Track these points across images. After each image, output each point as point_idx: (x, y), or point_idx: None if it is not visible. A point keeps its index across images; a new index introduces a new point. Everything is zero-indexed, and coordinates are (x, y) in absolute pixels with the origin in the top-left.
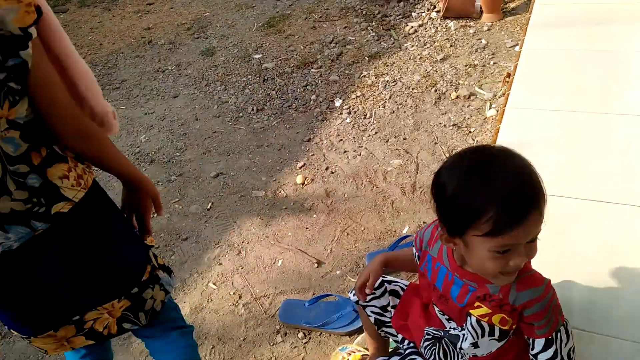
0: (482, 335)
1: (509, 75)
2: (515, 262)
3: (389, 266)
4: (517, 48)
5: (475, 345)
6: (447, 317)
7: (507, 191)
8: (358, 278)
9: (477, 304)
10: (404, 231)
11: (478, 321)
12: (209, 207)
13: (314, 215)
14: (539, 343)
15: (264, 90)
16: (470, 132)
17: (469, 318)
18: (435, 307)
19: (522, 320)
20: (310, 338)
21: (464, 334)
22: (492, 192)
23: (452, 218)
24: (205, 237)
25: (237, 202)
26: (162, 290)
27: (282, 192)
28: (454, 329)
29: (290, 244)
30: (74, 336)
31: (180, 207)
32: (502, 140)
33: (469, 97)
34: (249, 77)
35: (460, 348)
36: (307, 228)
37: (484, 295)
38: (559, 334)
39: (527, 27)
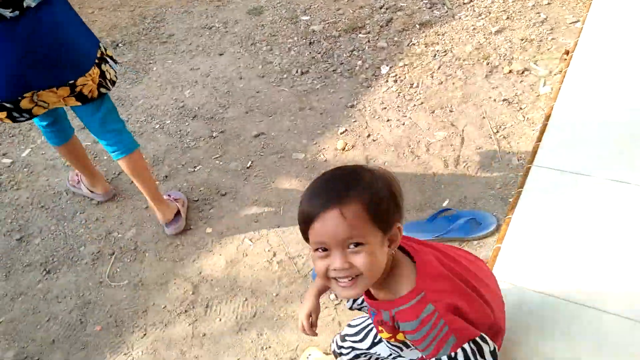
0: (402, 349)
1: (567, 52)
2: (332, 266)
3: (323, 292)
4: (578, 24)
5: (399, 356)
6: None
7: (313, 189)
8: (301, 315)
9: (379, 327)
10: (444, 204)
11: (389, 341)
12: (248, 166)
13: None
14: None
15: (310, 53)
16: (521, 108)
17: (383, 340)
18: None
19: None
20: (341, 300)
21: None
22: (306, 191)
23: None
24: (243, 194)
25: (277, 163)
26: (112, 69)
27: (322, 156)
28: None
29: None
30: (68, 96)
31: (221, 163)
32: (556, 120)
33: (522, 73)
34: (295, 38)
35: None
36: None
37: (381, 320)
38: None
39: (590, 4)
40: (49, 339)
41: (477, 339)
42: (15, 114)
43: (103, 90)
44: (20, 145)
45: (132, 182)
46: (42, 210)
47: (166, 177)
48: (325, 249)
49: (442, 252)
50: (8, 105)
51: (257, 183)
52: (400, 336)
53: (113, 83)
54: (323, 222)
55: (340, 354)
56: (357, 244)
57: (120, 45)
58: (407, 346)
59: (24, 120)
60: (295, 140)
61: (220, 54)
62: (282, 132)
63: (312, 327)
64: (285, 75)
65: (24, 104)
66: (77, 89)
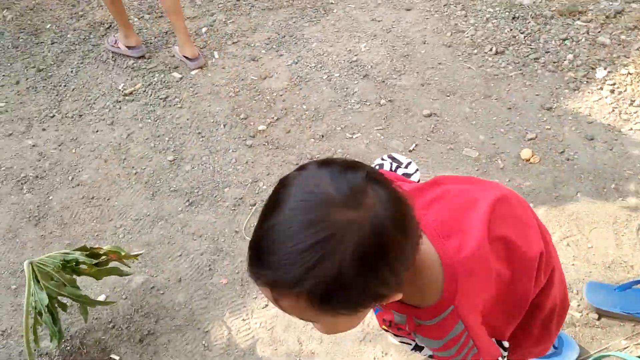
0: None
1: None
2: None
3: None
4: None
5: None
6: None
7: (260, 222)
8: None
9: (383, 327)
10: None
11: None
12: (411, 148)
13: (531, 204)
14: None
15: (511, 30)
16: None
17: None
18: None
19: None
20: None
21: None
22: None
23: None
24: None
25: (444, 154)
26: None
27: (499, 161)
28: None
29: None
30: None
31: (382, 137)
32: None
33: None
34: (498, 9)
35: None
36: None
37: (390, 321)
38: None
39: None
40: (177, 276)
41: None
42: None
43: None
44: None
45: (287, 132)
46: (198, 136)
47: (322, 136)
48: None
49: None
50: None
51: None
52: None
53: None
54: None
55: None
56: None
57: None
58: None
59: None
60: (471, 132)
61: (408, 9)
62: (458, 118)
63: None
64: (475, 51)
65: None
66: None
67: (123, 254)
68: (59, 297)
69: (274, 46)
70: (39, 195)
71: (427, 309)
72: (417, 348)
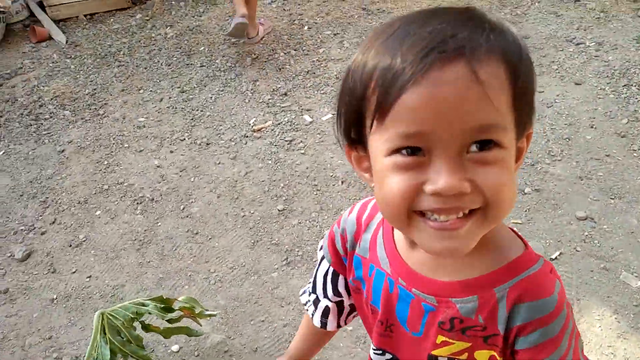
0: None
1: None
2: (434, 185)
3: None
4: None
5: None
6: None
7: (404, 25)
8: None
9: (441, 338)
10: None
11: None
12: (554, 256)
13: None
14: None
15: None
16: None
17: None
18: (372, 350)
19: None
20: None
21: None
22: (389, 43)
23: (346, 104)
24: None
25: (594, 274)
26: None
27: None
28: None
29: None
30: None
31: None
32: None
33: None
34: None
35: None
36: None
37: (451, 319)
38: None
39: None
40: (254, 344)
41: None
42: None
43: None
44: (326, 106)
45: None
46: (313, 188)
47: None
48: (415, 150)
49: None
50: None
51: None
52: (480, 355)
53: None
54: (431, 88)
55: None
56: (487, 144)
57: None
58: None
59: None
60: (637, 253)
61: (577, 83)
62: (621, 230)
63: None
64: None
65: None
66: None
67: (197, 311)
68: (120, 354)
69: None
70: (149, 219)
71: (517, 259)
72: None
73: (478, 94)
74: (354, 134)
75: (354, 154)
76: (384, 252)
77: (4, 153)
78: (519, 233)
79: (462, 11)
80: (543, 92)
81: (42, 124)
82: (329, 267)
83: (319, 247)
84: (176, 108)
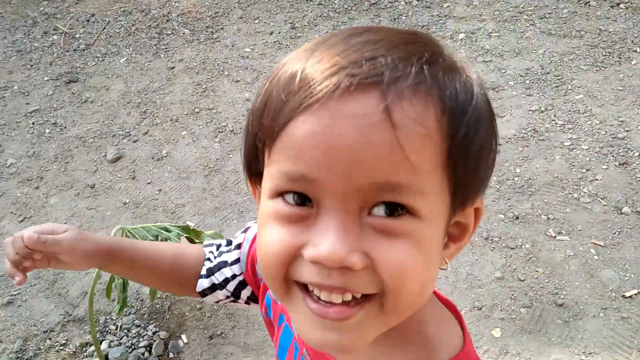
0: None
1: None
2: (315, 245)
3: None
4: None
5: None
6: None
7: (325, 48)
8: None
9: None
10: None
11: None
12: (628, 294)
13: None
14: None
15: None
16: None
17: None
18: None
19: None
20: None
21: None
22: (302, 53)
23: (246, 129)
24: None
25: None
26: None
27: None
28: None
29: None
30: None
31: (596, 256)
32: None
33: None
34: None
35: None
36: None
37: None
38: None
39: None
40: None
41: None
42: None
43: None
44: None
45: None
46: None
47: (516, 217)
48: (304, 199)
49: None
50: None
51: None
52: None
53: None
54: (326, 120)
55: None
56: (397, 209)
57: None
58: None
59: None
60: None
61: None
62: None
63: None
64: None
65: None
66: None
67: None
68: None
69: (528, 81)
70: (224, 149)
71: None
72: None
73: (388, 141)
74: (254, 167)
75: (256, 191)
76: None
77: (126, 60)
78: (459, 310)
79: (403, 32)
80: None
81: (163, 38)
82: (240, 274)
83: (244, 228)
84: (282, 44)
